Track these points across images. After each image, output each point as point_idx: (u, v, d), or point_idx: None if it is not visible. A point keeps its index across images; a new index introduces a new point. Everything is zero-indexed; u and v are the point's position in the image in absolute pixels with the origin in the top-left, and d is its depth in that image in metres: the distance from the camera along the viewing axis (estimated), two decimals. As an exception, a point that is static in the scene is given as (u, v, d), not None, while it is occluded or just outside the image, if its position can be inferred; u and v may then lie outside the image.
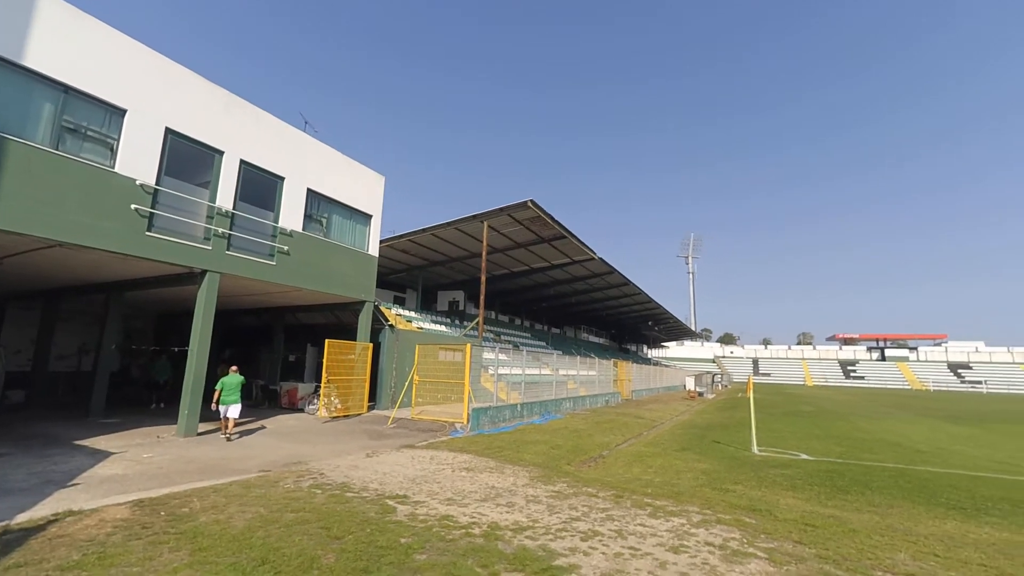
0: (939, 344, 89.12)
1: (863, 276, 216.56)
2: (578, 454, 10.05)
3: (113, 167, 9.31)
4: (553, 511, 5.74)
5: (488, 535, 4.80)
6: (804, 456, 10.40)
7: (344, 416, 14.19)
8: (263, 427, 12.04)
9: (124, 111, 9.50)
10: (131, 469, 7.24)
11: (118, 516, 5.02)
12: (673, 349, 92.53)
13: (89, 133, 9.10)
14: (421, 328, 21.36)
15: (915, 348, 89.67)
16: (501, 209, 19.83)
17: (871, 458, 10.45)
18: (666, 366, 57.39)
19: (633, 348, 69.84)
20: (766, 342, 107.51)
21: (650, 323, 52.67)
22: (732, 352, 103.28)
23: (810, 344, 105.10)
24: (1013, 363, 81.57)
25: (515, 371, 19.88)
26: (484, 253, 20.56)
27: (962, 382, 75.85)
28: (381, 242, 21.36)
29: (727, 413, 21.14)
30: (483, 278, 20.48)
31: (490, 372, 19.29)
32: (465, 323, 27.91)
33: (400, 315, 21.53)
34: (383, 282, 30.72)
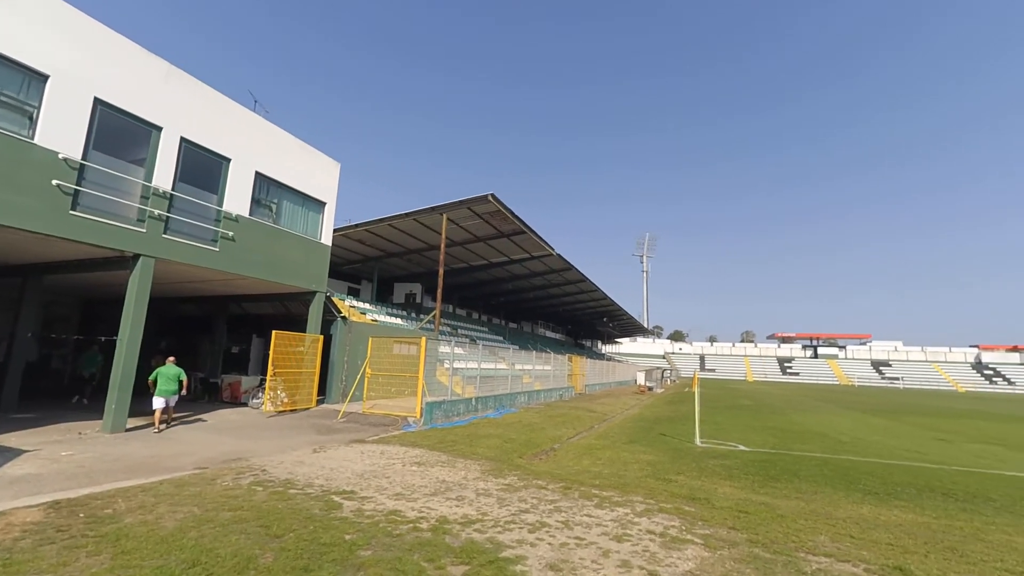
0: (864, 343, 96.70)
1: (805, 279, 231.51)
2: (530, 447, 10.17)
3: (32, 138, 8.47)
4: (503, 504, 5.79)
5: (436, 529, 4.78)
6: (742, 447, 11.03)
7: (291, 410, 13.68)
8: (202, 422, 11.40)
9: (46, 77, 8.65)
10: (47, 468, 6.66)
11: (29, 519, 4.61)
12: (626, 345, 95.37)
13: (3, 99, 8.22)
14: (376, 320, 20.89)
15: (844, 347, 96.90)
16: (461, 202, 19.66)
17: (801, 448, 11.22)
18: (619, 361, 59.08)
19: (588, 344, 71.40)
20: (712, 339, 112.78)
21: (605, 319, 54.00)
22: (681, 349, 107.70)
23: (752, 342, 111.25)
24: (926, 361, 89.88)
25: (471, 365, 19.84)
26: (443, 246, 20.33)
27: (883, 378, 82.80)
28: (335, 231, 20.70)
29: (674, 407, 22.05)
30: (441, 271, 20.26)
31: (445, 366, 19.16)
32: (421, 316, 27.56)
33: (354, 307, 20.96)
34: (337, 272, 29.78)
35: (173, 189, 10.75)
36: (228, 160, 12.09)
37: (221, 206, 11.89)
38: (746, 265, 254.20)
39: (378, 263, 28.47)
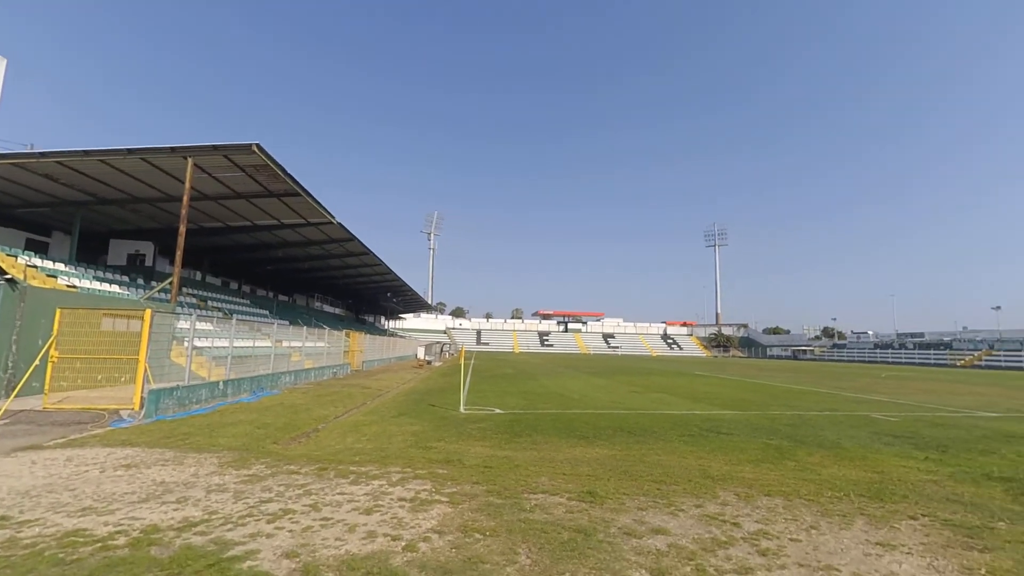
0: (599, 320, 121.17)
1: (568, 264, 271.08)
2: (289, 431, 9.34)
3: None
4: (240, 498, 5.14)
5: (138, 543, 3.92)
6: (498, 410, 12.49)
7: (-102, 415, 9.21)
8: None
9: None
10: None
11: None
12: (410, 320, 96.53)
13: None
14: (75, 287, 15.76)
15: (586, 322, 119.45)
16: (216, 147, 16.27)
17: (543, 407, 13.38)
18: (401, 337, 59.42)
19: (371, 319, 69.49)
20: (488, 316, 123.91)
21: (389, 294, 53.36)
22: (461, 324, 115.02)
23: (520, 318, 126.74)
24: (636, 334, 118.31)
25: (221, 343, 16.96)
26: (186, 198, 16.54)
27: (609, 347, 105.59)
28: (2, 157, 14.63)
29: (447, 378, 23.44)
30: (183, 228, 16.49)
31: (185, 345, 15.85)
32: (153, 283, 22.04)
33: (34, 267, 15.32)
34: (6, 216, 21.32)
35: None
36: None
37: None
38: (522, 247, 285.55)
39: (83, 210, 21.36)
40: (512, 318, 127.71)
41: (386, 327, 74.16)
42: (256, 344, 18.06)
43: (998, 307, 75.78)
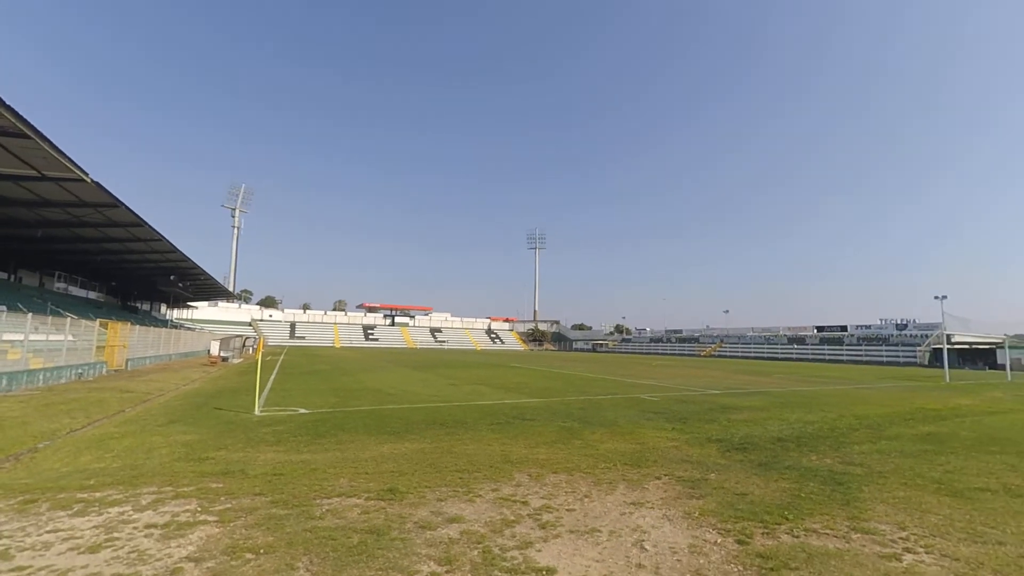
0: (427, 315, 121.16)
1: (394, 256, 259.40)
2: (-17, 455, 6.84)
3: None
4: None
5: None
6: (302, 410, 11.32)
7: None
8: None
9: None
10: None
11: None
12: (204, 311, 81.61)
13: None
14: None
15: (413, 316, 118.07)
16: None
17: (355, 404, 12.64)
18: (190, 329, 49.97)
19: (145, 307, 56.39)
20: (306, 307, 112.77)
21: (172, 278, 43.97)
22: (271, 316, 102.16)
23: (343, 311, 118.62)
24: (463, 328, 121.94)
25: None
26: None
27: (436, 341, 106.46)
28: None
29: (246, 377, 20.43)
30: None
31: None
32: None
33: None
34: None
35: None
36: None
37: None
38: (349, 235, 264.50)
39: None
40: (334, 310, 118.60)
41: (168, 318, 61.01)
42: (-64, 337, 12.84)
43: (727, 311, 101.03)
